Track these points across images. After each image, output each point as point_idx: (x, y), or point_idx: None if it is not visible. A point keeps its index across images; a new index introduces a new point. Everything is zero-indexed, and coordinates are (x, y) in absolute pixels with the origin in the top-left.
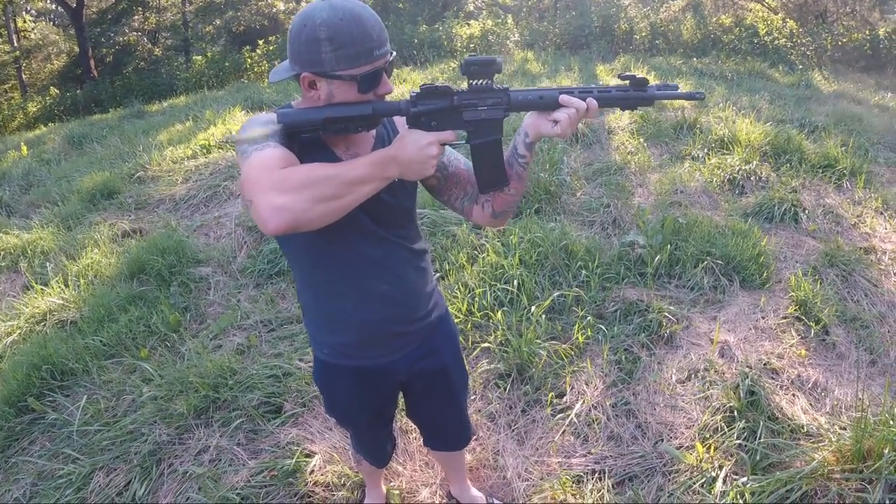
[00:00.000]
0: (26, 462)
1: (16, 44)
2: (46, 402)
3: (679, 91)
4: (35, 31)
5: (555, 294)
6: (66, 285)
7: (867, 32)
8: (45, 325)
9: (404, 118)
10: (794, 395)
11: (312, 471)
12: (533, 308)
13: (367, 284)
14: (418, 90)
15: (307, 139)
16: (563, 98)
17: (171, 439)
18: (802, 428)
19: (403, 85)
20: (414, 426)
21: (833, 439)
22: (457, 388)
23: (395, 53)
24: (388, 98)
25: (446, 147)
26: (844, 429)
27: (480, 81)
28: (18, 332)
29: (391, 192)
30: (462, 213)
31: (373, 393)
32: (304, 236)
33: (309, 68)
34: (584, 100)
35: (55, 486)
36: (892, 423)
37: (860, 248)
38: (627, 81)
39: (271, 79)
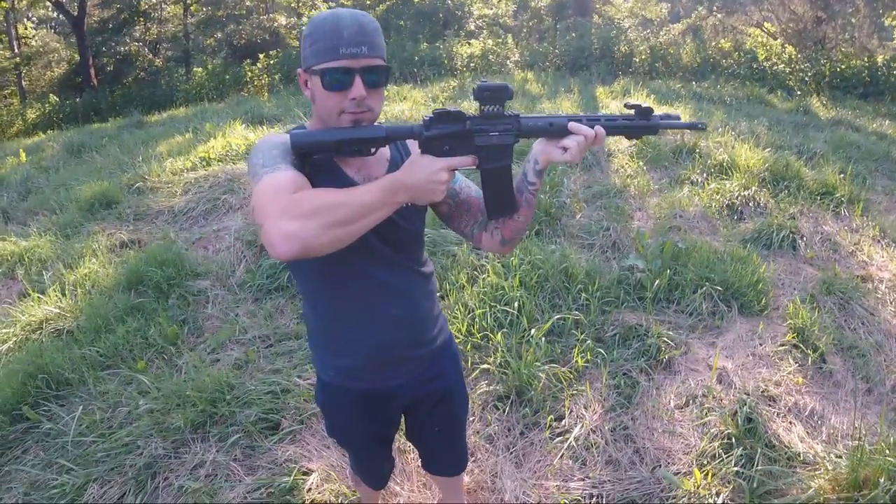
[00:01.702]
0: (19, 471)
1: (16, 50)
2: (41, 412)
3: (682, 121)
4: (36, 38)
5: (555, 317)
6: (64, 294)
7: (866, 59)
8: (41, 333)
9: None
10: (791, 422)
11: (310, 489)
12: (533, 330)
13: (377, 307)
14: (431, 114)
15: (319, 160)
16: (573, 125)
17: (167, 453)
18: (799, 456)
19: (404, 103)
20: (412, 446)
21: (829, 468)
22: (459, 412)
23: (380, 62)
24: (384, 118)
25: (457, 174)
26: (840, 457)
27: (492, 107)
28: (14, 339)
29: (401, 215)
30: (471, 240)
31: (376, 416)
32: (313, 258)
33: (301, 66)
34: (591, 127)
35: (48, 496)
36: (888, 452)
37: (857, 277)
38: (633, 111)
39: None
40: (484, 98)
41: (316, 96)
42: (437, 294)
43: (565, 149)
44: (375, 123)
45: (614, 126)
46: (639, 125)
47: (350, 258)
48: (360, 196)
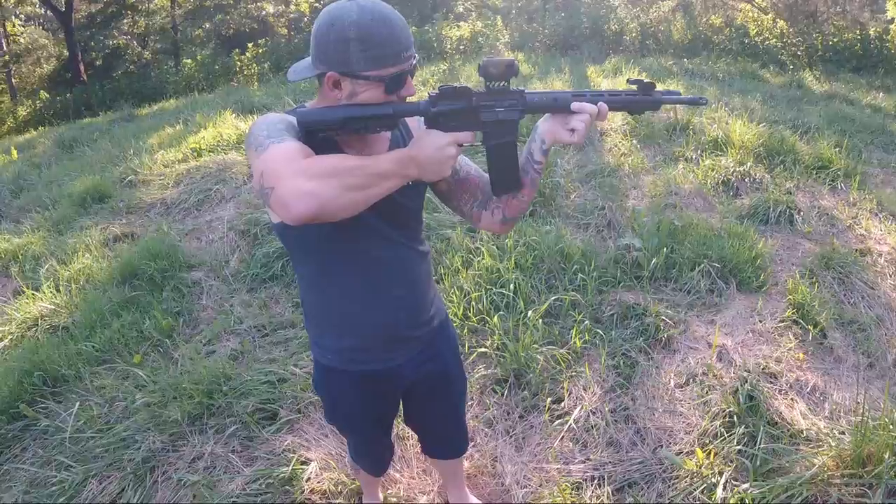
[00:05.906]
0: (18, 469)
1: (5, 48)
2: (38, 409)
3: (683, 96)
4: (24, 35)
5: (551, 298)
6: (58, 290)
7: (858, 32)
8: (36, 330)
9: (418, 120)
10: (792, 399)
11: (309, 478)
12: (529, 312)
13: (378, 287)
14: (437, 91)
15: (321, 140)
16: (576, 105)
17: (165, 446)
18: (802, 433)
19: None
20: (411, 433)
21: (833, 444)
22: (457, 392)
23: (417, 57)
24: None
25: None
26: (844, 433)
27: (498, 83)
28: (10, 337)
29: (402, 193)
30: (470, 219)
31: (377, 399)
32: (311, 236)
33: (336, 68)
34: (595, 103)
35: (48, 493)
36: (891, 427)
37: (856, 251)
38: (636, 86)
39: (291, 77)
40: (489, 74)
41: (360, 99)
42: (433, 277)
43: (573, 130)
44: None
45: (618, 101)
46: (641, 100)
47: (349, 235)
48: (375, 164)
